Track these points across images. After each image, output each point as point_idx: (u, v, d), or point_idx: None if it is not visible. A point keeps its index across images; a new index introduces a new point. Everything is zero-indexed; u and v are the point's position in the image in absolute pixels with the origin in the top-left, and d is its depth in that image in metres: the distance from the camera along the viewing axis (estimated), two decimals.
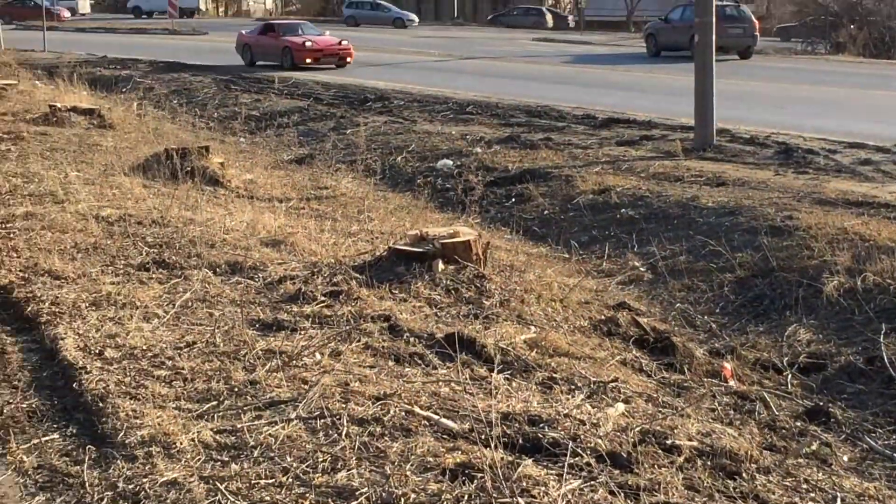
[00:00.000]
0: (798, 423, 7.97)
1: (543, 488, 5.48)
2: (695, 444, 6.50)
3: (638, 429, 6.50)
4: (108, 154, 16.84)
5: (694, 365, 9.11)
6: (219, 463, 5.73)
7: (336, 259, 10.14)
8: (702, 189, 15.40)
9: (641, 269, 12.67)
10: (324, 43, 39.85)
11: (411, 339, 7.94)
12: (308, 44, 39.03)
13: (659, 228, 13.94)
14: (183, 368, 7.05)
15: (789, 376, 9.25)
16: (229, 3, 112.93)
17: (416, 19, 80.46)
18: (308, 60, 38.24)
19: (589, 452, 5.97)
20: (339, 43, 40.00)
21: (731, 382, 8.86)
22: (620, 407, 7.06)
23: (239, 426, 6.13)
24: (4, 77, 29.78)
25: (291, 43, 39.09)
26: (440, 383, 7.05)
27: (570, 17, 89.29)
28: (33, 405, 6.68)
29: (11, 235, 10.67)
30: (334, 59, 39.19)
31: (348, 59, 39.37)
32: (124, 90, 30.11)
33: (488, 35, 67.66)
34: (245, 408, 6.43)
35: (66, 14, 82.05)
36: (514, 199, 16.39)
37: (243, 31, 42.22)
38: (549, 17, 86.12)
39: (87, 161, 16.11)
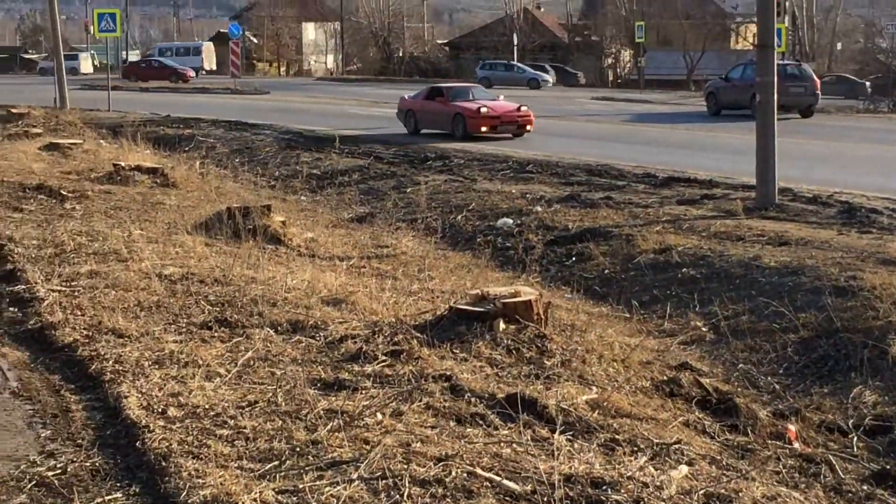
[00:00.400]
0: (865, 487, 7.85)
1: None
2: None
3: (702, 492, 6.42)
4: (171, 212, 17.01)
5: (758, 426, 9.01)
6: None
7: (397, 318, 10.13)
8: (764, 249, 15.30)
9: (703, 329, 12.59)
10: (501, 109, 34.55)
11: (472, 400, 7.91)
12: (483, 110, 33.53)
13: (721, 288, 13.85)
14: (245, 428, 7.06)
15: (855, 439, 9.13)
16: (290, 63, 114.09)
17: (551, 80, 79.25)
18: (483, 129, 33.27)
19: None
20: (518, 109, 34.65)
21: (796, 445, 8.76)
22: (684, 469, 6.99)
23: (301, 486, 6.12)
24: (70, 136, 30.21)
25: (464, 109, 33.80)
26: (502, 444, 7.02)
27: (580, 74, 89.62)
28: (97, 464, 6.71)
29: (76, 294, 10.78)
30: (513, 127, 33.97)
31: (528, 127, 34.07)
32: (187, 149, 30.43)
33: (545, 94, 67.82)
34: (307, 468, 6.42)
35: (191, 73, 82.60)
36: (574, 258, 16.36)
37: (406, 96, 37.39)
38: (552, 74, 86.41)
39: (150, 219, 16.27)
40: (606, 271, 15.55)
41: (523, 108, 34.64)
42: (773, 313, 12.36)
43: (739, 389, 10.43)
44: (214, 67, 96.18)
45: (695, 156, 27.85)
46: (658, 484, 6.45)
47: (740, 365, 11.29)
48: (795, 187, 20.49)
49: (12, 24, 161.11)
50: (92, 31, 54.77)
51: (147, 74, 78.41)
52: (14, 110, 39.98)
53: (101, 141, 30.41)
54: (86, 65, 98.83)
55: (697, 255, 15.29)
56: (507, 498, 6.09)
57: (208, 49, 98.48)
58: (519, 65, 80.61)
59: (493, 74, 75.07)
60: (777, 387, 10.59)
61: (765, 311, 12.59)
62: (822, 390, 10.50)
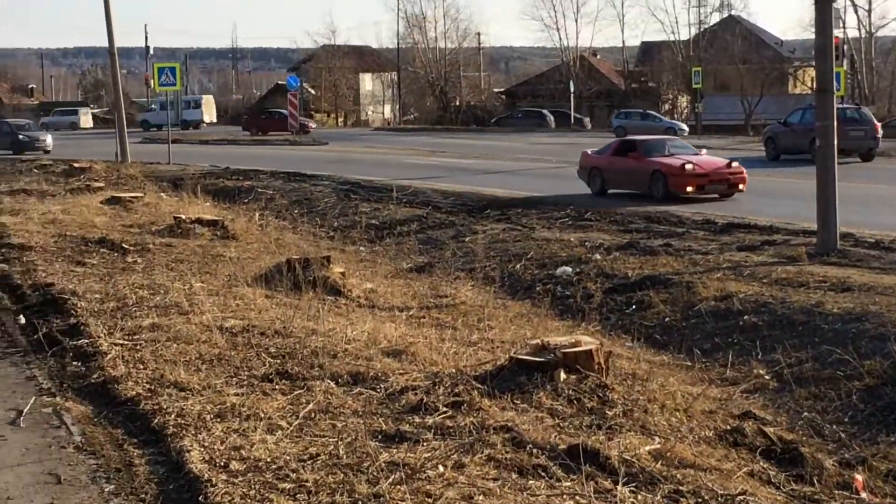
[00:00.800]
0: None
1: None
2: None
3: None
4: (232, 265, 17.11)
5: (824, 476, 8.89)
6: None
7: (457, 369, 10.12)
8: (826, 295, 15.16)
9: (766, 376, 12.47)
10: (709, 166, 29.89)
11: (534, 451, 7.87)
12: (689, 167, 29.05)
13: (783, 335, 13.73)
14: (307, 481, 7.06)
15: None
16: (348, 114, 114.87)
17: (687, 129, 78.16)
18: (689, 189, 28.76)
19: None
20: (728, 165, 30.02)
21: (864, 494, 8.63)
22: None
23: None
24: (131, 190, 30.52)
25: (665, 166, 29.40)
26: (564, 496, 6.97)
27: (587, 120, 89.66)
28: None
29: (138, 347, 10.86)
30: (722, 186, 29.40)
31: (741, 186, 29.40)
32: (246, 201, 30.66)
33: (605, 139, 67.77)
34: None
35: (312, 125, 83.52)
36: (634, 306, 16.28)
37: (589, 152, 33.20)
38: (550, 118, 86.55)
39: (210, 272, 16.37)
40: (667, 319, 15.46)
41: (734, 164, 30.00)
42: (837, 360, 12.22)
43: (804, 438, 10.30)
44: (215, 119, 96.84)
45: (754, 201, 27.68)
46: None
47: (805, 413, 11.16)
48: (857, 232, 20.32)
49: (74, 79, 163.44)
50: (152, 85, 55.37)
51: (268, 126, 79.99)
52: (76, 164, 40.54)
53: (162, 194, 30.69)
54: (85, 119, 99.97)
55: (759, 302, 15.18)
56: None
57: (208, 101, 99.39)
58: (655, 114, 78.98)
59: (629, 123, 72.50)
60: (843, 435, 10.46)
61: (828, 358, 12.46)
62: (889, 439, 10.36)
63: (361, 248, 22.62)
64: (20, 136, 58.77)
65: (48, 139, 59.65)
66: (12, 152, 56.13)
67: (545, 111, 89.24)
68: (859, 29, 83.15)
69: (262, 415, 8.50)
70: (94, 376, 10.10)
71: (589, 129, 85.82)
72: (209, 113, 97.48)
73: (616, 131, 68.48)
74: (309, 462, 7.44)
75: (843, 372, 11.95)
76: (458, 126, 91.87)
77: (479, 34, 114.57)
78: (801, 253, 18.23)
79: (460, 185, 34.17)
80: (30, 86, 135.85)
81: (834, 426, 10.76)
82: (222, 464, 7.39)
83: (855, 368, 11.83)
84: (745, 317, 14.76)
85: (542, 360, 9.74)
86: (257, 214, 26.21)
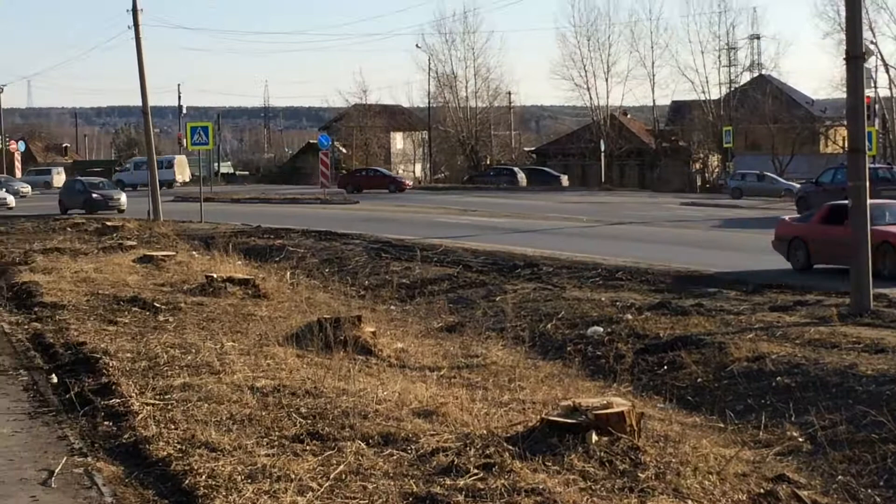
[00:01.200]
0: None
1: None
2: None
3: None
4: (263, 324, 17.14)
5: None
6: None
7: (488, 430, 10.09)
8: (860, 356, 15.05)
9: (800, 439, 12.35)
10: None
11: None
12: None
13: (817, 397, 13.61)
14: None
15: None
16: None
17: (796, 187, 76.78)
18: None
19: None
20: None
21: None
22: None
23: None
24: (163, 248, 30.68)
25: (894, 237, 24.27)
26: None
27: (564, 178, 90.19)
28: None
29: (170, 407, 10.87)
30: None
31: None
32: (278, 259, 30.72)
33: (637, 200, 67.88)
34: None
35: (409, 183, 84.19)
36: (666, 367, 16.19)
37: (787, 219, 29.44)
38: (521, 175, 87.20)
39: (242, 331, 16.41)
40: (699, 380, 15.37)
41: None
42: (871, 423, 12.11)
43: (839, 502, 10.20)
44: (188, 179, 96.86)
45: (786, 261, 27.56)
46: None
47: (839, 477, 11.04)
48: (890, 293, 20.21)
49: (108, 138, 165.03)
50: (185, 144, 55.82)
51: (366, 183, 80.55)
52: (109, 223, 40.85)
53: (194, 252, 30.83)
54: (58, 178, 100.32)
55: (792, 364, 15.07)
56: None
57: (180, 162, 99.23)
58: (772, 175, 76.85)
59: (745, 184, 71.13)
60: (878, 499, 10.35)
61: (863, 420, 12.34)
62: None
63: (392, 308, 22.61)
64: (93, 195, 56.39)
65: (122, 198, 57.08)
66: (85, 211, 53.88)
67: (516, 168, 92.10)
68: (890, 88, 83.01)
69: (293, 476, 8.49)
70: (126, 436, 10.12)
71: (566, 185, 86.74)
72: (182, 173, 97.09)
73: (732, 193, 67.74)
74: None
75: (877, 434, 11.83)
76: (488, 185, 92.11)
77: (509, 93, 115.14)
78: (833, 314, 18.14)
79: (491, 244, 34.18)
80: (64, 144, 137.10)
81: (869, 490, 10.65)
82: None
83: (890, 431, 11.71)
84: (778, 378, 14.65)
85: (574, 421, 9.70)
86: (288, 273, 26.26)
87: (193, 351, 13.98)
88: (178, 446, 9.43)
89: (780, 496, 9.63)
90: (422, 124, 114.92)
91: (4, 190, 67.47)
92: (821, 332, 16.89)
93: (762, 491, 9.75)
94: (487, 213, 51.38)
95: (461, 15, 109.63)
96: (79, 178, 66.19)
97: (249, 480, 8.42)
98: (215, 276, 21.95)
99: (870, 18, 75.63)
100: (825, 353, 15.41)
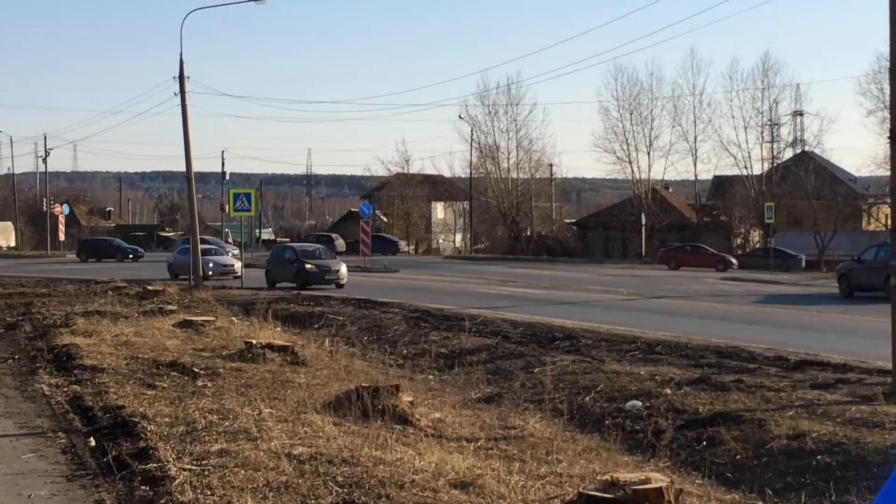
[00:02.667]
0: None
1: None
2: None
3: None
4: (301, 391, 17.15)
5: None
6: None
7: (525, 503, 10.02)
8: None
9: None
10: None
11: None
12: None
13: (857, 476, 13.45)
14: None
15: None
16: (419, 241, 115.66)
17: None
18: None
19: None
20: None
21: None
22: None
23: None
24: (203, 314, 30.79)
25: None
26: None
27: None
28: None
29: (206, 472, 10.86)
30: None
31: None
32: (317, 327, 30.78)
33: (677, 274, 67.73)
34: None
35: (735, 262, 79.50)
36: (705, 443, 16.06)
37: None
38: (402, 244, 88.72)
39: (280, 398, 16.42)
40: (738, 457, 15.23)
41: None
42: None
43: None
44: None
45: (827, 339, 27.41)
46: None
47: None
48: None
49: (151, 202, 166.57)
50: (227, 210, 56.05)
51: (686, 259, 78.36)
52: (150, 287, 41.07)
53: (234, 318, 30.91)
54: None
55: (833, 442, 14.92)
56: None
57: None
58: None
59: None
60: None
61: None
62: None
63: (430, 377, 22.58)
64: (307, 266, 48.06)
65: (342, 269, 48.77)
66: (296, 286, 46.78)
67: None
68: None
69: None
70: (162, 501, 10.10)
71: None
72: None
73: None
74: None
75: None
76: (528, 256, 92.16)
77: (551, 165, 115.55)
78: (875, 392, 17.96)
79: (530, 315, 34.13)
80: (107, 208, 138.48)
81: None
82: None
83: None
84: (819, 456, 14.50)
85: (612, 496, 9.63)
86: (327, 341, 26.28)
87: (231, 417, 13.99)
88: None
89: None
90: (463, 194, 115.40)
91: (231, 254, 60.84)
92: (862, 411, 16.72)
93: None
94: (527, 285, 51.37)
95: (504, 87, 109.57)
96: (289, 244, 59.70)
97: None
98: (254, 342, 21.99)
99: None
100: (867, 433, 15.25)
